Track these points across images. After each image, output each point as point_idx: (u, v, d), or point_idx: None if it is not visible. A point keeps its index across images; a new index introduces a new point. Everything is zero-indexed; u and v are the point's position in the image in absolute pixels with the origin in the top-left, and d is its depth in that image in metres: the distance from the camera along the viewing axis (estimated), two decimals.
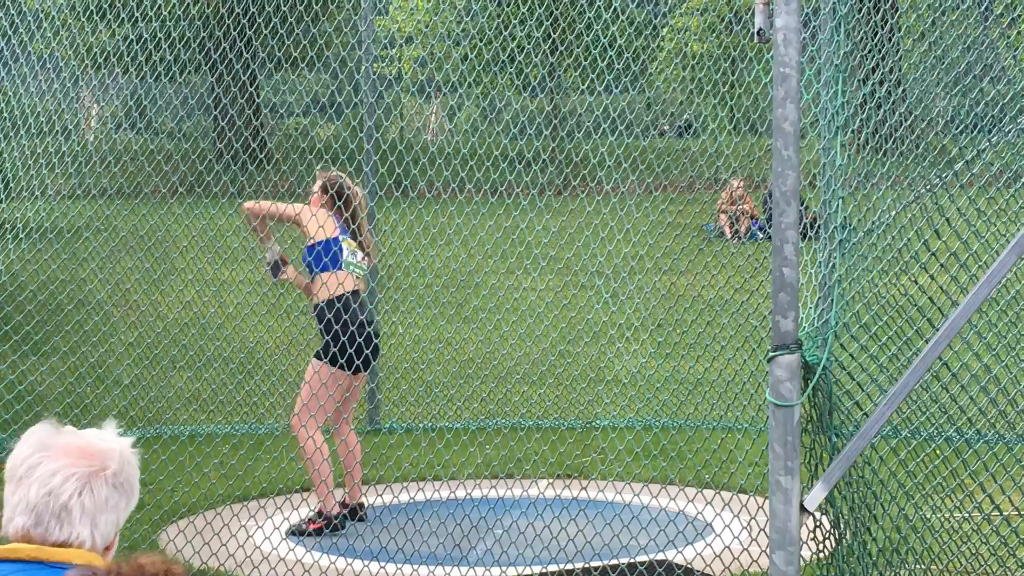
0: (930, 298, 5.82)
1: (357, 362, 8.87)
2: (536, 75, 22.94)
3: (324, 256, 8.93)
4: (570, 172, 16.31)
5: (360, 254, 9.11)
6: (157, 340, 13.01)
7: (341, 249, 8.98)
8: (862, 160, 5.86)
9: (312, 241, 8.96)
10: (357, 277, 9.06)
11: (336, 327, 8.82)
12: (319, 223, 8.92)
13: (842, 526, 5.85)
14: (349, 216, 9.08)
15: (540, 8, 12.16)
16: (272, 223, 9.33)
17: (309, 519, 9.18)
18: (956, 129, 7.34)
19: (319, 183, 9.22)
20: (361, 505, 9.40)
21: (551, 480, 10.07)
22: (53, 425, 3.18)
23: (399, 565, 8.23)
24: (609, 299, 12.55)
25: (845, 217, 5.55)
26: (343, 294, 8.94)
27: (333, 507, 9.09)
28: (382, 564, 8.26)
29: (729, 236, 21.32)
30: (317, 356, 8.97)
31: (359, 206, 9.16)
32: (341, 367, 8.86)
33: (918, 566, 6.44)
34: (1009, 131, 6.58)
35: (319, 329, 9.05)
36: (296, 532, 9.13)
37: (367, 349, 8.93)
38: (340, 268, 8.96)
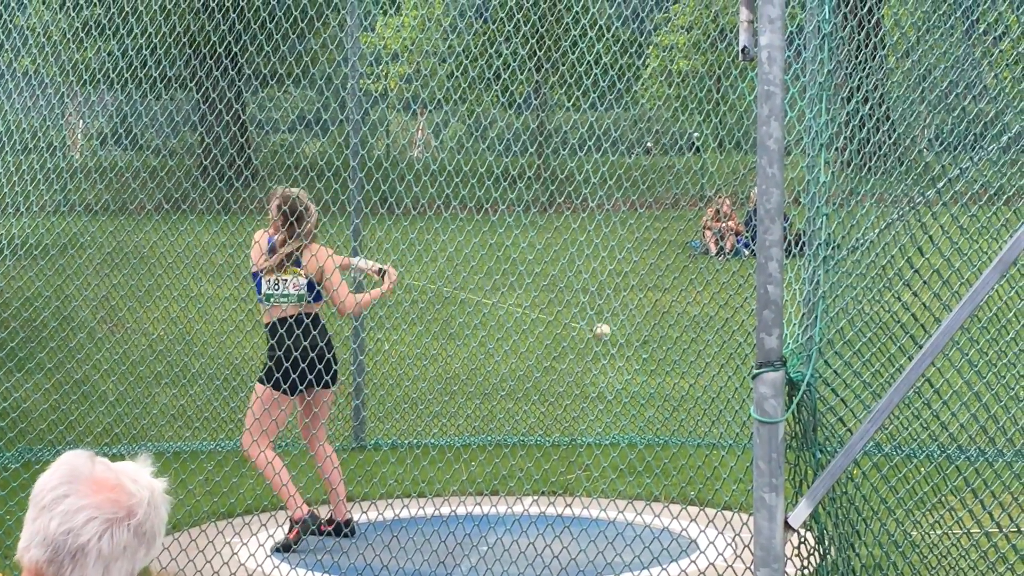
0: (913, 315, 5.85)
1: (284, 386, 9.08)
2: (522, 92, 22.98)
3: (257, 290, 9.32)
4: (555, 189, 16.34)
5: (290, 280, 9.15)
6: (142, 357, 12.99)
7: (259, 284, 9.23)
8: (846, 177, 5.88)
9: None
10: (286, 308, 9.15)
11: (276, 354, 9.11)
12: (253, 257, 9.32)
13: (826, 542, 5.86)
14: (285, 236, 9.19)
15: (526, 26, 12.20)
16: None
17: (287, 532, 9.22)
18: (939, 147, 7.38)
19: (275, 203, 9.30)
20: (347, 522, 9.40)
21: (536, 497, 10.07)
22: (87, 455, 3.08)
23: None
24: (594, 315, 12.57)
25: (829, 234, 5.57)
26: (270, 321, 9.21)
27: (299, 510, 9.10)
28: None
29: (714, 253, 21.36)
30: (258, 379, 9.28)
31: (301, 222, 9.19)
32: (275, 387, 9.07)
33: None
34: (991, 149, 6.61)
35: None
36: (282, 549, 9.13)
37: (299, 369, 9.06)
38: (262, 302, 9.25)
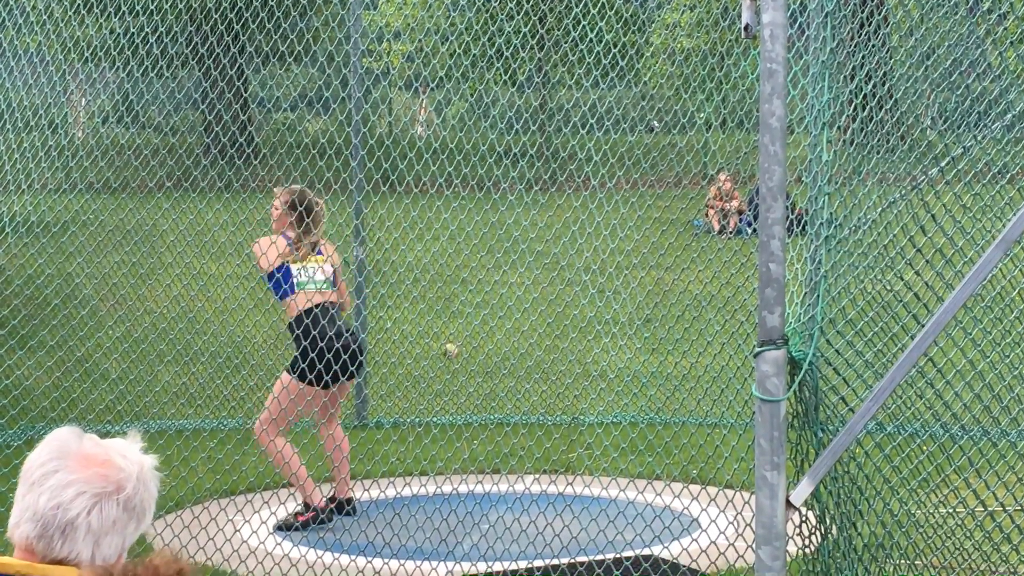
0: (915, 294, 5.84)
1: (326, 378, 9.00)
2: (524, 70, 22.94)
3: (282, 284, 9.16)
4: (557, 167, 16.31)
5: (317, 268, 9.18)
6: (144, 335, 12.99)
7: (290, 273, 9.10)
8: (848, 156, 5.87)
9: (268, 270, 9.19)
10: (318, 291, 9.15)
11: (305, 343, 9.01)
12: (262, 252, 9.17)
13: (828, 521, 5.86)
14: (303, 231, 9.16)
15: (528, 3, 12.16)
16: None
17: (296, 512, 9.21)
18: (943, 125, 7.36)
19: (285, 200, 9.24)
20: (349, 500, 9.42)
21: (537, 475, 10.08)
22: (76, 431, 3.09)
23: (386, 560, 8.24)
24: (596, 294, 12.56)
25: (831, 213, 5.56)
26: (309, 308, 9.09)
27: (319, 500, 9.14)
28: (369, 559, 8.27)
29: (716, 231, 21.35)
30: (287, 370, 9.14)
31: (316, 217, 9.24)
32: (310, 382, 8.96)
33: (903, 561, 6.46)
34: (995, 127, 6.59)
35: (291, 345, 9.23)
36: (284, 527, 9.14)
37: (337, 362, 9.00)
38: (294, 291, 9.13)
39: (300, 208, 9.12)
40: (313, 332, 8.95)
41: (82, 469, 3.01)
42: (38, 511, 2.99)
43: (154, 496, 3.13)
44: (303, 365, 8.94)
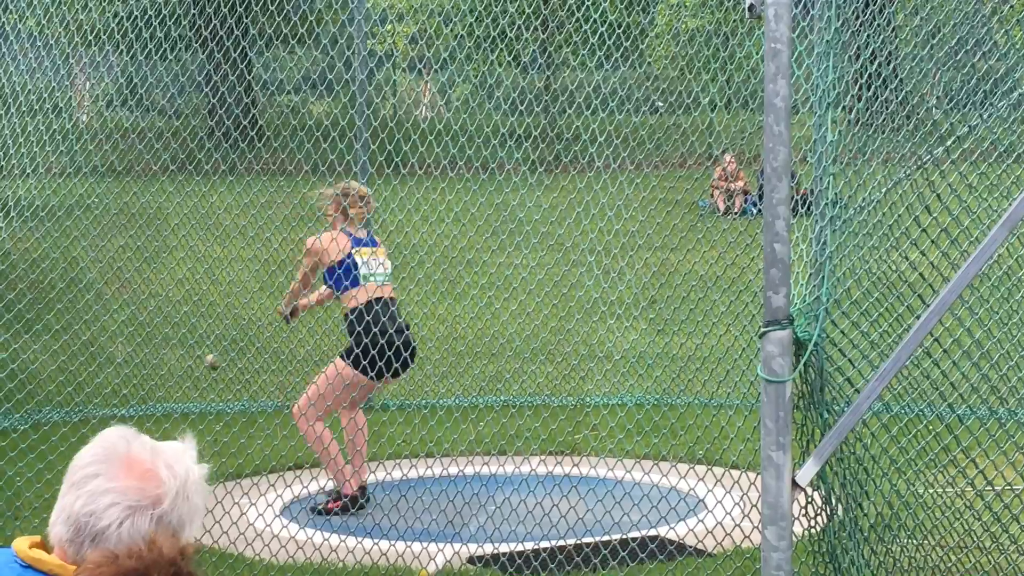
0: (921, 274, 5.82)
1: (386, 373, 9.00)
2: (528, 52, 22.89)
3: (344, 279, 9.08)
4: (562, 149, 16.28)
5: (380, 259, 9.20)
6: (150, 318, 13.00)
7: (355, 263, 9.05)
8: (853, 136, 5.85)
9: (330, 264, 9.13)
10: (381, 285, 9.14)
11: (360, 332, 8.95)
12: (326, 245, 9.08)
13: (834, 501, 5.85)
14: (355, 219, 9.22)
15: None
16: (305, 287, 9.40)
17: (328, 500, 9.26)
18: (948, 104, 7.34)
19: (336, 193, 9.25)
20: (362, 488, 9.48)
21: (543, 457, 10.08)
22: (129, 433, 3.00)
23: (392, 541, 8.25)
24: (601, 275, 12.56)
25: (836, 193, 5.54)
26: (368, 301, 9.06)
27: (349, 489, 9.16)
28: (375, 540, 8.27)
29: (721, 212, 21.32)
30: (342, 356, 9.11)
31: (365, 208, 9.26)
32: (364, 372, 8.92)
33: (910, 541, 6.46)
34: (1001, 106, 6.57)
35: (345, 334, 9.22)
36: (322, 512, 9.18)
37: (397, 357, 8.98)
38: (358, 284, 9.07)
39: (345, 202, 9.15)
40: (374, 328, 8.93)
41: (122, 478, 2.93)
42: (72, 514, 2.94)
43: (199, 509, 3.02)
44: (364, 359, 8.92)
